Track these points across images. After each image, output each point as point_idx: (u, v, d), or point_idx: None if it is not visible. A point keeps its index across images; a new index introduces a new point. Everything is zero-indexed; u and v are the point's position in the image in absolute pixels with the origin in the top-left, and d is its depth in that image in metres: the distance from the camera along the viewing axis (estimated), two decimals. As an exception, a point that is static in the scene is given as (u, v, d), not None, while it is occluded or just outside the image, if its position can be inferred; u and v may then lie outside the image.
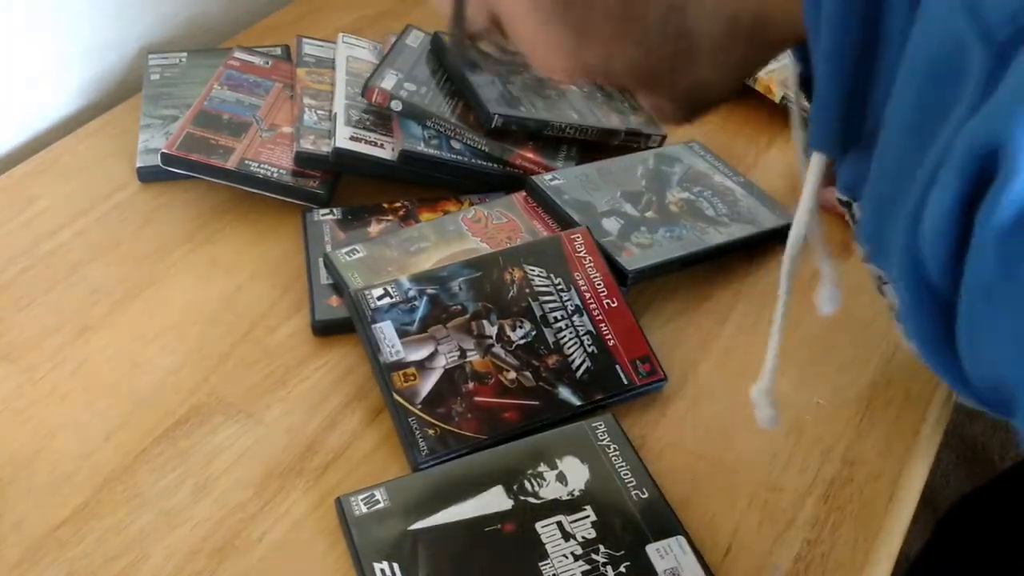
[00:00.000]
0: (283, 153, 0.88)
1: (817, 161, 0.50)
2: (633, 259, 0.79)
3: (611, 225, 0.82)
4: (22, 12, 0.95)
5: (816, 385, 0.73)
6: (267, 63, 0.99)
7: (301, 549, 0.62)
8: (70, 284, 0.80)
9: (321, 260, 0.79)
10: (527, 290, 0.75)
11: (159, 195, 0.89)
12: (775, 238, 0.85)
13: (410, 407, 0.67)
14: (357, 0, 1.18)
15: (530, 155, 0.89)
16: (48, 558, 0.61)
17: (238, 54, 0.99)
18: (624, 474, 0.64)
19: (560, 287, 0.75)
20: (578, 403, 0.69)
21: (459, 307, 0.73)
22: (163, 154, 0.85)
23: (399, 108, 0.87)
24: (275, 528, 0.63)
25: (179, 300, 0.79)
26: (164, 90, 0.98)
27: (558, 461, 0.65)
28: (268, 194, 0.86)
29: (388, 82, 0.89)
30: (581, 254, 0.77)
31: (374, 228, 0.84)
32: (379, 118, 0.89)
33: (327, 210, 0.85)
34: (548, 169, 0.88)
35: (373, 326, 0.71)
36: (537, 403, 0.69)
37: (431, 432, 0.66)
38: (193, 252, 0.84)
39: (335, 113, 0.88)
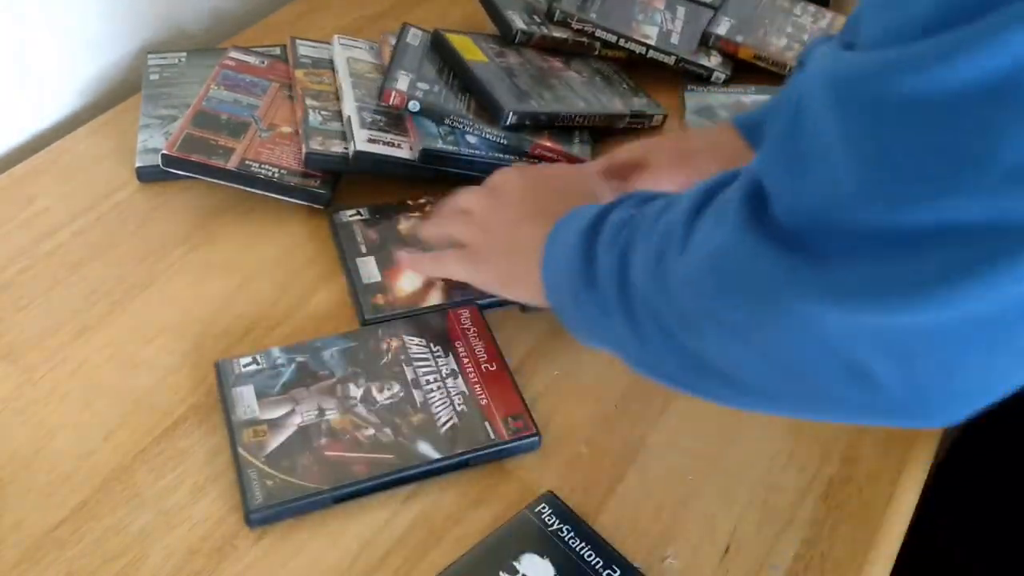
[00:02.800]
0: (283, 153, 0.88)
1: None
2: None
3: None
4: (21, 11, 0.95)
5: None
6: (263, 63, 0.99)
7: (300, 548, 0.62)
8: (69, 284, 0.80)
9: (356, 262, 0.81)
10: (402, 356, 0.73)
11: (158, 195, 0.89)
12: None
13: (253, 460, 0.65)
14: (356, 0, 1.18)
15: (548, 143, 0.91)
16: (47, 558, 0.61)
17: (233, 54, 0.99)
18: (588, 555, 0.61)
19: (438, 354, 0.73)
20: (437, 456, 0.66)
21: (327, 372, 0.71)
22: (163, 155, 0.85)
23: (417, 108, 0.88)
24: (273, 528, 0.63)
25: (178, 300, 0.79)
26: (163, 90, 0.98)
27: (516, 564, 0.61)
28: (270, 195, 0.86)
29: (402, 83, 0.89)
30: (466, 327, 0.75)
31: (403, 225, 0.85)
32: (391, 118, 0.90)
33: (353, 211, 0.86)
34: (567, 156, 0.91)
35: (232, 389, 0.69)
36: (391, 456, 0.66)
37: (269, 483, 0.64)
38: (192, 252, 0.84)
39: (348, 116, 0.89)
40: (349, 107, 0.90)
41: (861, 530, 0.64)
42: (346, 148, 0.87)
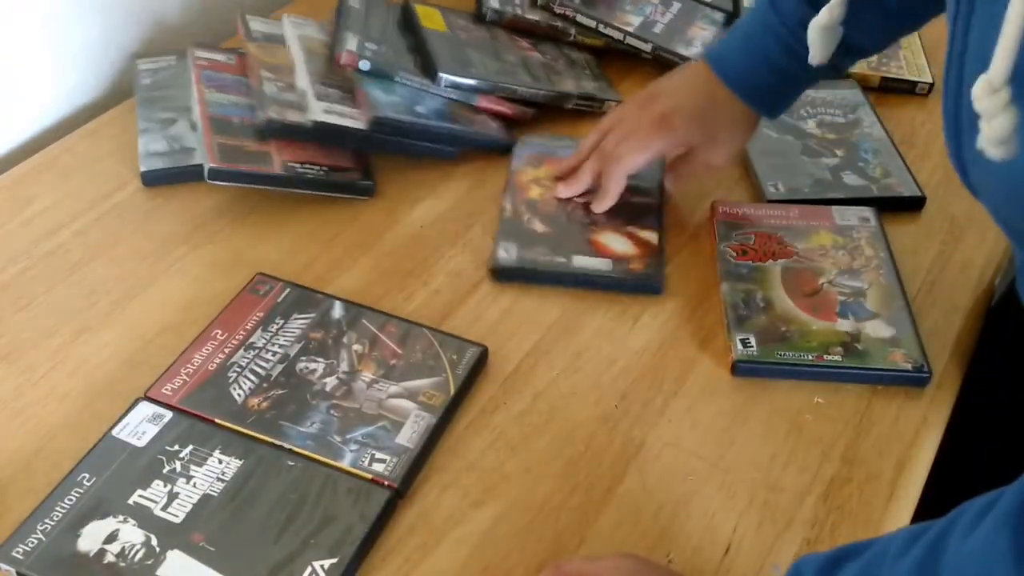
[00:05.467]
0: (315, 150, 0.88)
1: None
2: None
3: None
4: (20, 12, 0.95)
5: (816, 384, 0.73)
6: (231, 59, 0.98)
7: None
8: (69, 284, 0.80)
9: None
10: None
11: (158, 195, 0.89)
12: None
13: None
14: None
15: (488, 103, 0.95)
16: (47, 558, 0.61)
17: (199, 53, 0.98)
18: None
19: None
20: None
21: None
22: (211, 169, 0.82)
23: (368, 68, 0.90)
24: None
25: (178, 300, 0.79)
26: (158, 93, 0.98)
27: None
28: (317, 192, 0.87)
29: (351, 43, 0.91)
30: None
31: None
32: (345, 91, 0.91)
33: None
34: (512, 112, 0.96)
35: None
36: None
37: None
38: (192, 252, 0.84)
39: (303, 89, 0.89)
40: (303, 80, 0.90)
41: (861, 530, 0.64)
42: (303, 119, 0.87)
